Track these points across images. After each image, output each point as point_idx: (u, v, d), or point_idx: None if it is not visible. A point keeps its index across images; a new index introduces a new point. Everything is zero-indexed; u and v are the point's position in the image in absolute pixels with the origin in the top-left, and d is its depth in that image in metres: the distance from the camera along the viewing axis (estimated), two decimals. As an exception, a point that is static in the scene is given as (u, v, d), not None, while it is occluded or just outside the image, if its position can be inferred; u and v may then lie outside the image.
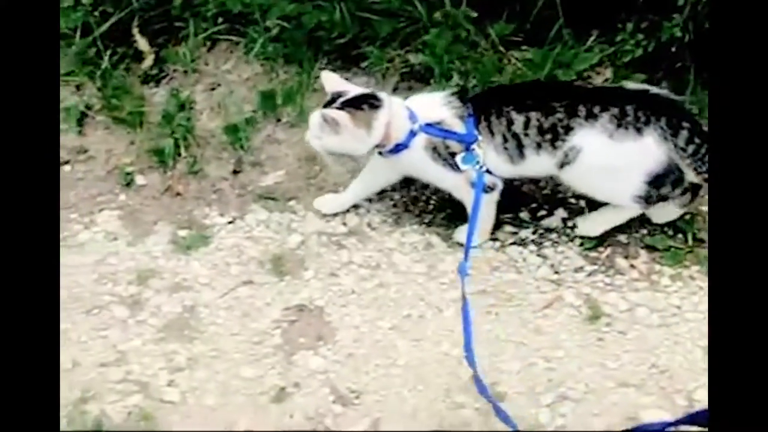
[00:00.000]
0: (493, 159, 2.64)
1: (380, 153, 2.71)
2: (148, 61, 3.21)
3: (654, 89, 2.68)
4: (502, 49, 3.19)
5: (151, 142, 3.09)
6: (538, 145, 2.59)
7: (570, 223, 2.88)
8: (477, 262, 2.79)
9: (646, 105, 2.56)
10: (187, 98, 3.17)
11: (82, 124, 3.15)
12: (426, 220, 2.91)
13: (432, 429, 2.45)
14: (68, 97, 3.19)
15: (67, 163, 3.08)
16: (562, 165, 2.60)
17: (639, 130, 2.54)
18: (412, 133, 2.64)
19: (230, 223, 2.93)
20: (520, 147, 2.61)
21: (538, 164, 2.64)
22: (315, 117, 2.65)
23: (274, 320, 2.69)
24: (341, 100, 2.65)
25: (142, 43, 3.22)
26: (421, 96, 2.78)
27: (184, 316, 2.71)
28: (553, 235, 2.85)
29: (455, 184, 2.71)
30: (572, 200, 2.92)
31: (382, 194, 2.96)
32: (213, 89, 3.24)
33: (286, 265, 2.82)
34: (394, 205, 2.96)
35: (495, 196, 2.72)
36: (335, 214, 2.93)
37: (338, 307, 2.72)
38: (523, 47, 3.21)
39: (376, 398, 2.51)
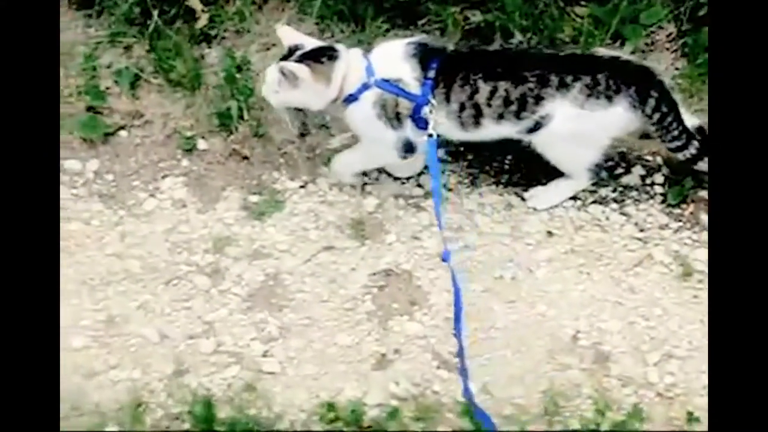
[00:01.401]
0: (443, 124, 2.59)
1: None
2: (203, 20, 3.08)
3: (625, 56, 2.67)
4: (561, 4, 3.13)
5: (210, 104, 2.96)
6: (500, 116, 2.55)
7: (648, 180, 2.85)
8: (561, 221, 2.76)
9: (618, 72, 2.54)
10: (243, 58, 3.04)
11: (135, 87, 3.01)
12: (503, 181, 2.86)
13: (541, 390, 2.42)
14: (118, 60, 3.06)
15: (122, 128, 2.96)
16: (530, 131, 2.57)
17: (609, 99, 2.52)
18: (365, 86, 2.58)
19: (302, 187, 2.85)
20: (478, 116, 2.56)
21: (494, 131, 2.61)
22: (272, 71, 2.58)
23: (363, 286, 2.63)
24: (299, 53, 2.58)
25: (195, 2, 3.08)
26: (385, 45, 2.68)
27: (269, 284, 2.64)
28: (633, 193, 2.82)
29: (388, 144, 2.64)
30: (648, 157, 2.89)
31: (455, 154, 2.90)
32: (268, 49, 3.12)
33: (366, 229, 2.75)
34: (469, 166, 2.90)
35: (397, 160, 2.68)
36: (409, 177, 2.85)
37: (426, 270, 2.67)
38: (583, 2, 3.15)
39: (480, 362, 2.48)
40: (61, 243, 2.66)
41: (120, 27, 3.10)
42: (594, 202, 2.82)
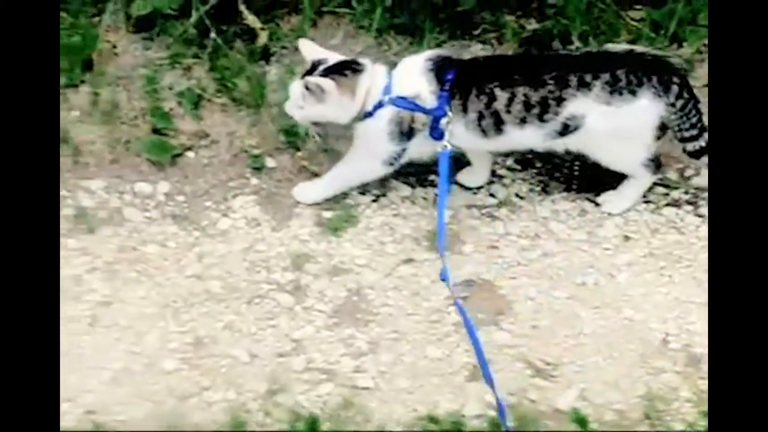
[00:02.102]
0: (461, 134, 2.60)
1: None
2: (263, 38, 3.08)
3: (639, 48, 2.69)
4: (615, 8, 3.14)
5: (275, 122, 2.96)
6: (522, 120, 2.57)
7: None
8: (636, 225, 2.77)
9: (636, 66, 2.57)
10: (303, 75, 3.03)
11: (198, 107, 3.01)
12: (574, 187, 2.87)
13: (638, 395, 2.42)
14: (179, 81, 3.04)
15: (189, 149, 2.95)
16: (560, 134, 2.58)
17: (633, 93, 2.55)
18: (380, 104, 2.60)
19: (374, 201, 2.85)
20: (499, 123, 2.58)
21: (519, 137, 2.62)
22: (295, 87, 2.60)
23: (446, 297, 2.63)
24: (322, 67, 2.60)
25: (253, 20, 3.08)
26: (407, 61, 2.71)
27: (352, 300, 2.63)
28: (706, 194, 2.83)
29: (382, 156, 2.68)
30: (717, 158, 2.90)
31: (524, 163, 2.91)
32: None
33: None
34: (538, 173, 2.91)
35: (382, 171, 2.71)
36: (479, 187, 2.86)
37: (507, 279, 2.67)
38: (638, 6, 3.17)
39: (574, 369, 2.48)
40: (139, 266, 2.67)
41: (179, 48, 3.09)
42: (667, 204, 2.84)
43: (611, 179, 2.78)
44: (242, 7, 3.11)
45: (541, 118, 2.55)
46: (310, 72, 2.61)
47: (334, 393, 2.45)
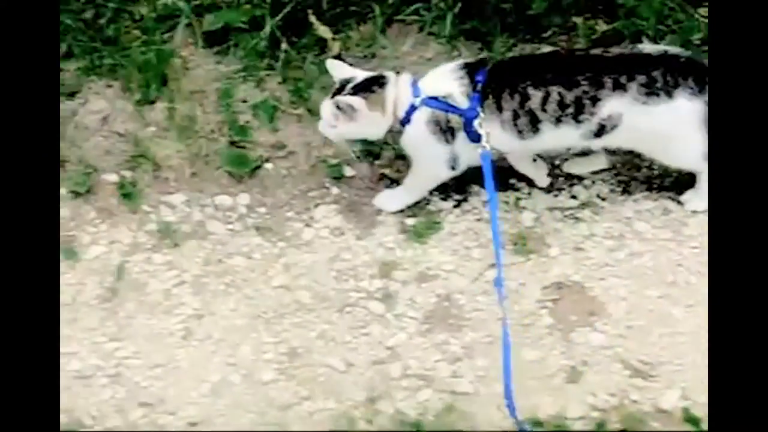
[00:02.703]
0: (498, 135, 2.60)
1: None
2: (335, 48, 3.09)
3: (671, 49, 2.68)
4: (686, 7, 3.14)
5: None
6: (558, 120, 2.56)
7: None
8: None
9: (671, 67, 2.56)
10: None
11: (273, 119, 3.02)
12: (655, 186, 2.86)
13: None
14: (252, 93, 3.06)
15: (267, 161, 2.95)
16: (597, 135, 2.58)
17: (669, 94, 2.54)
18: (413, 107, 2.61)
19: (456, 206, 2.85)
20: (535, 122, 2.57)
21: (555, 137, 2.61)
22: (327, 106, 2.62)
23: (537, 300, 2.63)
24: (350, 86, 2.62)
25: (324, 30, 3.10)
26: (437, 68, 2.72)
27: (443, 305, 2.63)
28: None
29: (441, 158, 2.67)
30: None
31: (603, 164, 2.90)
32: (398, 72, 3.12)
33: (528, 243, 2.75)
34: (618, 174, 2.90)
35: (447, 174, 2.70)
36: (560, 189, 2.85)
37: (597, 280, 2.66)
38: (706, 3, 3.16)
39: (673, 369, 2.47)
40: (227, 278, 2.68)
41: (251, 61, 3.10)
42: None
43: (689, 177, 2.76)
44: (312, 18, 3.12)
45: (576, 118, 2.55)
46: (339, 91, 2.63)
47: (433, 398, 2.44)
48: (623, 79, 2.54)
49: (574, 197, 2.86)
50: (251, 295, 2.68)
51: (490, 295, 2.65)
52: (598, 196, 2.86)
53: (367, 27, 3.20)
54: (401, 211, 2.83)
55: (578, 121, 2.56)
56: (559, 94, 2.55)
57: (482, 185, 2.79)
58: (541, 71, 2.59)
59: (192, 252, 2.77)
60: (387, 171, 2.92)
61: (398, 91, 2.63)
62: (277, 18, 3.11)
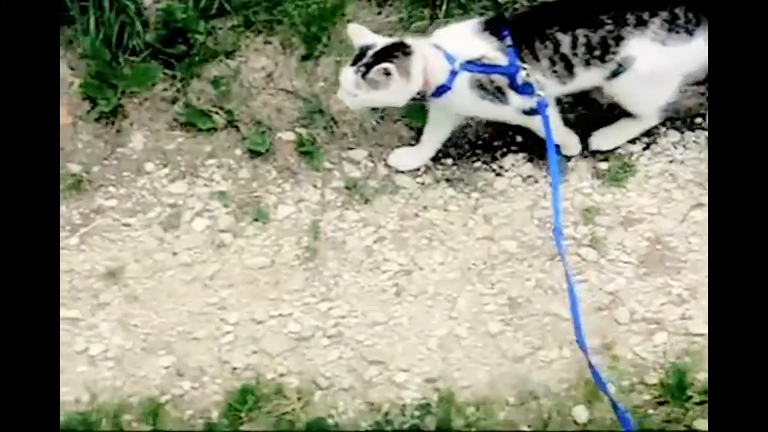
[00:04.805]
0: (543, 82, 2.55)
1: (421, 98, 2.57)
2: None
3: None
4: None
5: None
6: (587, 62, 2.53)
7: None
8: None
9: (694, 4, 2.51)
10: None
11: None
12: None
13: None
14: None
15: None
16: (613, 75, 2.55)
17: (690, 32, 2.50)
18: (453, 74, 2.53)
19: (645, 149, 2.79)
20: (569, 67, 2.54)
21: (587, 79, 2.58)
22: (347, 74, 2.53)
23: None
24: (371, 52, 2.52)
25: None
26: (447, 30, 2.64)
27: (656, 249, 2.58)
28: None
29: (509, 116, 2.62)
30: None
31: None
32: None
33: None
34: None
35: (550, 110, 2.56)
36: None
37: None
38: None
39: None
40: (427, 232, 2.63)
41: (413, 10, 3.02)
42: None
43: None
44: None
45: (602, 59, 2.51)
46: (359, 57, 2.53)
47: (670, 342, 2.39)
48: (645, 15, 2.49)
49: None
50: (456, 248, 2.62)
51: (700, 236, 2.61)
52: None
53: None
54: (592, 155, 2.76)
55: (604, 62, 2.53)
56: (586, 36, 2.51)
57: (671, 126, 2.75)
58: (564, 16, 2.54)
59: (385, 207, 2.70)
60: (570, 117, 2.84)
61: (426, 58, 2.52)
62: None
